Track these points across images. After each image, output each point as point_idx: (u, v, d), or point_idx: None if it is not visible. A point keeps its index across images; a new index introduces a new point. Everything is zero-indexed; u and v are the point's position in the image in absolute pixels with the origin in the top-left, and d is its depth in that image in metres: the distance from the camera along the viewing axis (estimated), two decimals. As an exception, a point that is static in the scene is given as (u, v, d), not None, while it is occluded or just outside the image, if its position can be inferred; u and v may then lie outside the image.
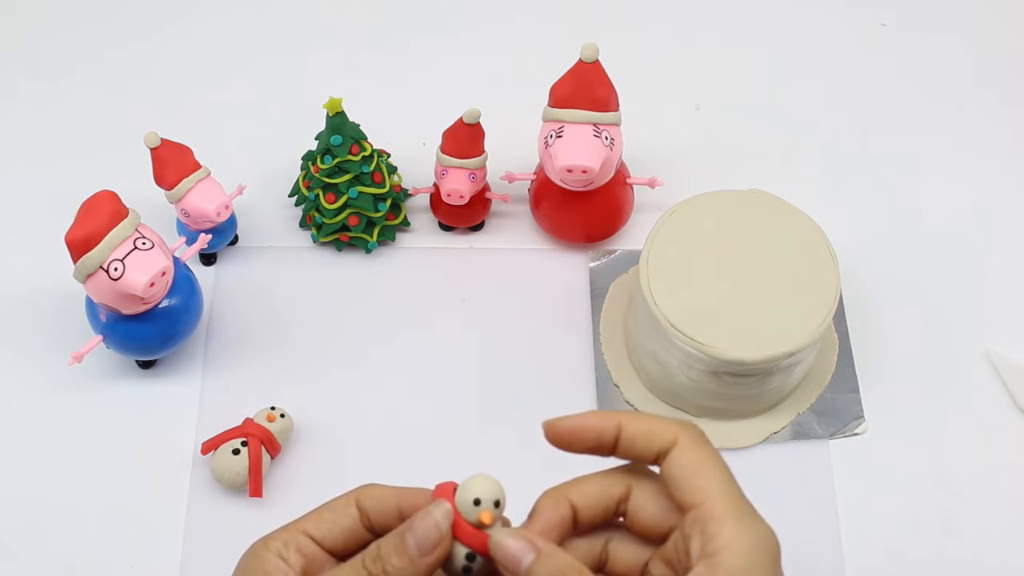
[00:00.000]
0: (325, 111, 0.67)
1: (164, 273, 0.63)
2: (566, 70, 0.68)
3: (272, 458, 0.66)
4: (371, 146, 0.71)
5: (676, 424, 0.45)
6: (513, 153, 0.74)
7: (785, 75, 0.84)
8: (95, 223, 0.61)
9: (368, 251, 0.75)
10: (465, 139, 0.70)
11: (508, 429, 0.69)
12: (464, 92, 0.78)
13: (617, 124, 0.69)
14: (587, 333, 0.72)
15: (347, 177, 0.70)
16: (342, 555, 0.46)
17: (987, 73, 0.84)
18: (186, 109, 0.81)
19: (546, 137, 0.68)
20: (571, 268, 0.75)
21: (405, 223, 0.75)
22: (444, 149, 0.71)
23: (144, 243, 0.62)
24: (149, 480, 0.66)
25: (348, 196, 0.70)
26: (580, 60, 0.67)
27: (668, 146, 0.79)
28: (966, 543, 0.65)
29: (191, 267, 0.69)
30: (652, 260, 0.65)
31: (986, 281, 0.74)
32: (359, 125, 0.70)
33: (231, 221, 0.73)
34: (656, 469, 0.46)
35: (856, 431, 0.68)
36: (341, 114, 0.68)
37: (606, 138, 0.68)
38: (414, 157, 0.76)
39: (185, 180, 0.69)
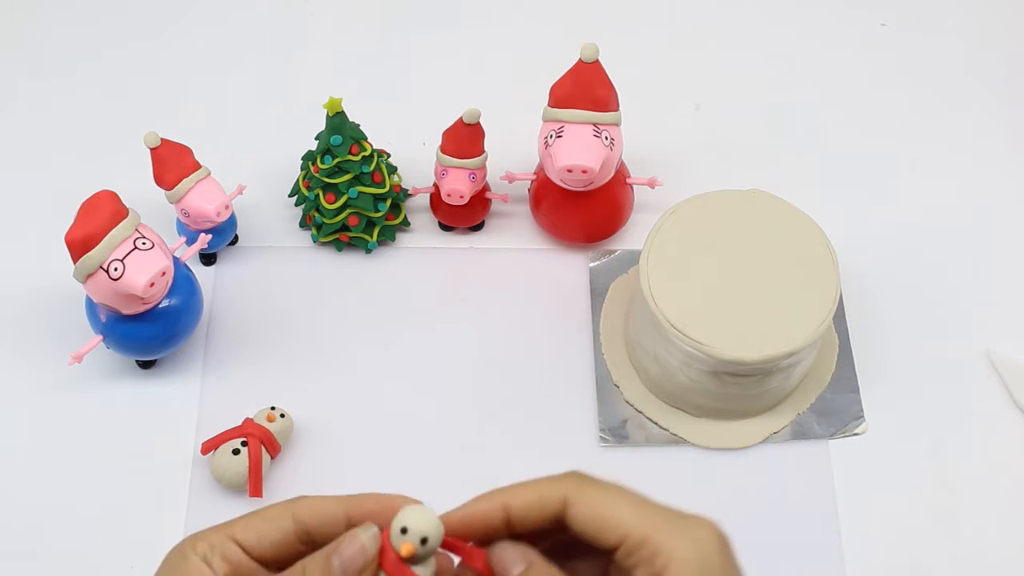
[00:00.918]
0: (325, 111, 0.67)
1: (164, 273, 0.63)
2: (566, 70, 0.68)
3: (272, 458, 0.66)
4: (371, 146, 0.71)
5: (558, 481, 0.43)
6: (513, 153, 0.74)
7: (785, 75, 0.84)
8: (95, 223, 0.61)
9: (368, 251, 0.75)
10: (465, 139, 0.70)
11: (508, 429, 0.69)
12: (464, 92, 0.78)
13: (617, 124, 0.69)
14: (587, 333, 0.72)
15: (347, 177, 0.70)
16: (272, 563, 0.45)
17: (987, 73, 0.84)
18: (186, 109, 0.81)
19: (546, 137, 0.68)
20: (571, 268, 0.75)
21: (405, 223, 0.75)
22: (444, 149, 0.71)
23: (144, 243, 0.62)
24: (149, 480, 0.66)
25: (348, 196, 0.70)
26: (580, 60, 0.67)
27: (668, 146, 0.79)
28: (966, 543, 0.65)
29: (191, 267, 0.69)
30: (652, 260, 0.65)
31: (986, 281, 0.74)
32: (359, 125, 0.70)
33: (231, 221, 0.73)
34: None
35: (856, 431, 0.68)
36: (341, 114, 0.68)
37: (606, 138, 0.68)
38: (414, 157, 0.76)
39: (185, 180, 0.69)
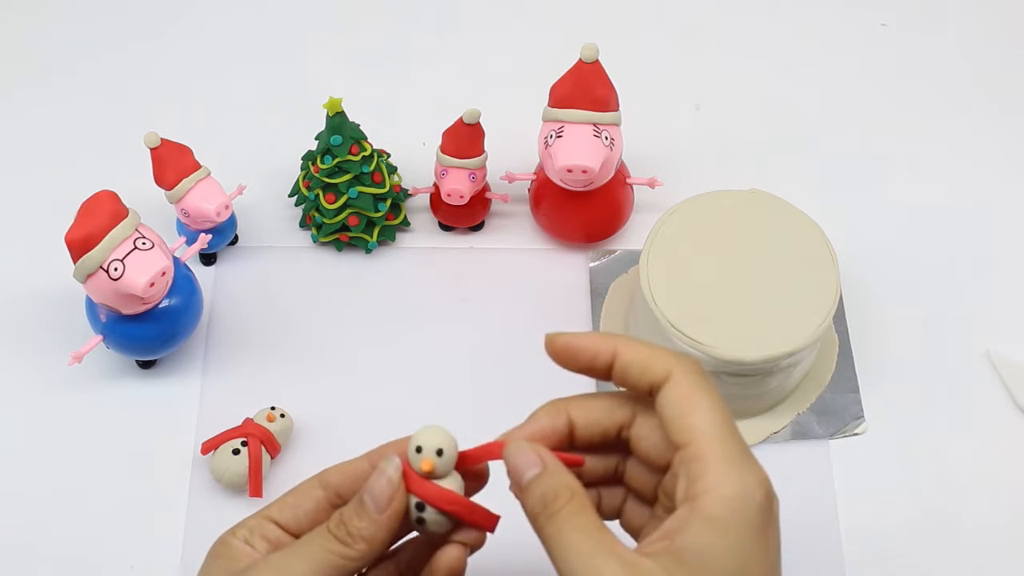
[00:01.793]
0: (325, 111, 0.67)
1: (164, 273, 0.63)
2: (566, 70, 0.68)
3: (272, 458, 0.66)
4: (371, 146, 0.71)
5: (671, 357, 0.44)
6: (513, 153, 0.74)
7: (785, 75, 0.84)
8: (95, 223, 0.61)
9: (368, 251, 0.75)
10: (465, 139, 0.70)
11: (507, 429, 0.68)
12: (464, 92, 0.78)
13: (617, 124, 0.69)
14: (587, 333, 0.72)
15: (347, 177, 0.70)
16: None
17: (987, 73, 0.84)
18: (186, 109, 0.81)
19: (546, 137, 0.68)
20: (571, 268, 0.75)
21: (405, 223, 0.75)
22: (444, 149, 0.71)
23: (144, 243, 0.62)
24: (149, 480, 0.66)
25: (348, 196, 0.70)
26: (580, 60, 0.67)
27: (668, 146, 0.79)
28: (966, 543, 0.65)
29: (191, 267, 0.69)
30: (652, 260, 0.65)
31: (986, 281, 0.74)
32: (359, 125, 0.70)
33: (231, 221, 0.73)
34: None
35: (856, 431, 0.68)
36: (341, 114, 0.68)
37: (606, 138, 0.68)
38: (414, 157, 0.76)
39: (185, 180, 0.69)
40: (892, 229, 0.77)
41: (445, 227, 0.76)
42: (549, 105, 0.69)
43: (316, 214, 0.73)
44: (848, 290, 0.73)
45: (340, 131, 0.68)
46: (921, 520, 0.66)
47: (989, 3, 0.88)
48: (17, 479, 0.67)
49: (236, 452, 0.64)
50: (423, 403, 0.69)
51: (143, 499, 0.66)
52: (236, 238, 0.75)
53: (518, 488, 0.44)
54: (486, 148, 0.71)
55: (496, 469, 0.48)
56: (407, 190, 0.76)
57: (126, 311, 0.64)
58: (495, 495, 0.47)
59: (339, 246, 0.75)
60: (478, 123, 0.70)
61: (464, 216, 0.74)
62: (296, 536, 0.47)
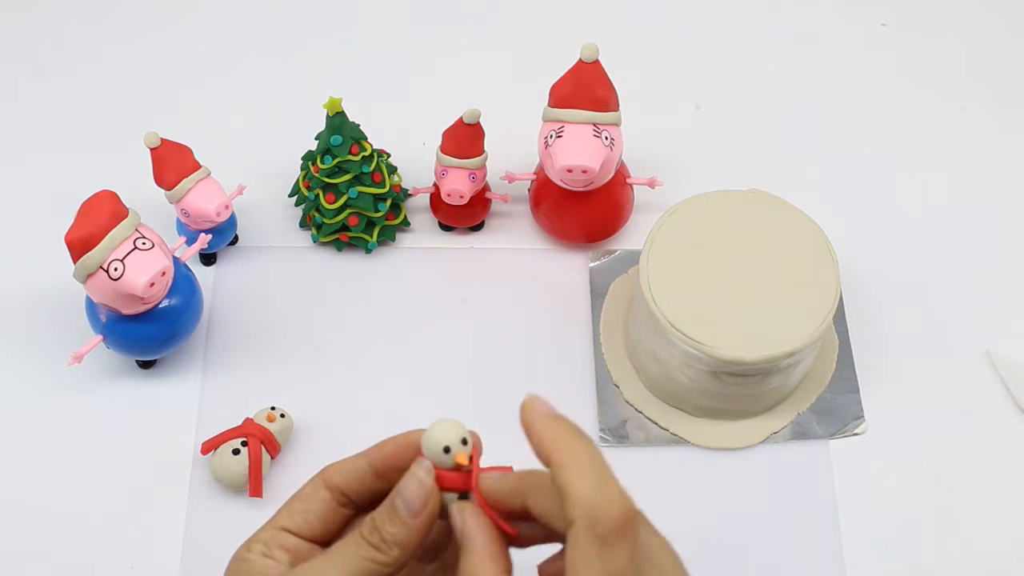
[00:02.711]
0: (325, 111, 0.67)
1: (164, 273, 0.63)
2: (566, 70, 0.68)
3: (272, 458, 0.66)
4: (371, 146, 0.71)
5: (595, 500, 0.41)
6: (513, 153, 0.74)
7: (785, 75, 0.84)
8: (95, 223, 0.61)
9: (368, 251, 0.75)
10: (465, 139, 0.70)
11: (508, 428, 0.68)
12: (464, 92, 0.78)
13: (617, 124, 0.69)
14: (587, 333, 0.72)
15: (347, 177, 0.70)
16: (323, 540, 0.47)
17: (987, 73, 0.84)
18: (186, 109, 0.81)
19: (546, 137, 0.68)
20: (571, 268, 0.75)
21: (405, 223, 0.75)
22: (444, 149, 0.71)
23: (144, 243, 0.62)
24: (149, 480, 0.66)
25: (348, 196, 0.70)
26: (580, 60, 0.67)
27: (668, 146, 0.79)
28: (966, 543, 0.65)
29: (191, 267, 0.69)
30: (652, 260, 0.65)
31: (986, 281, 0.74)
32: (359, 125, 0.70)
33: (231, 221, 0.73)
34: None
35: (856, 431, 0.68)
36: (341, 114, 0.68)
37: (606, 138, 0.68)
38: (414, 157, 0.76)
39: (185, 180, 0.69)
40: (892, 229, 0.77)
41: (445, 227, 0.76)
42: (549, 105, 0.69)
43: (316, 214, 0.73)
44: (848, 290, 0.73)
45: (340, 131, 0.68)
46: (921, 520, 0.66)
47: (989, 3, 0.88)
48: (17, 479, 0.67)
49: (236, 452, 0.64)
50: (423, 403, 0.69)
51: (143, 499, 0.66)
52: (236, 238, 0.75)
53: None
54: (486, 148, 0.71)
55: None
56: (407, 190, 0.76)
57: (126, 311, 0.64)
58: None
59: (339, 246, 0.75)
60: (478, 123, 0.70)
61: (464, 216, 0.74)
62: (311, 540, 0.46)
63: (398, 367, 0.71)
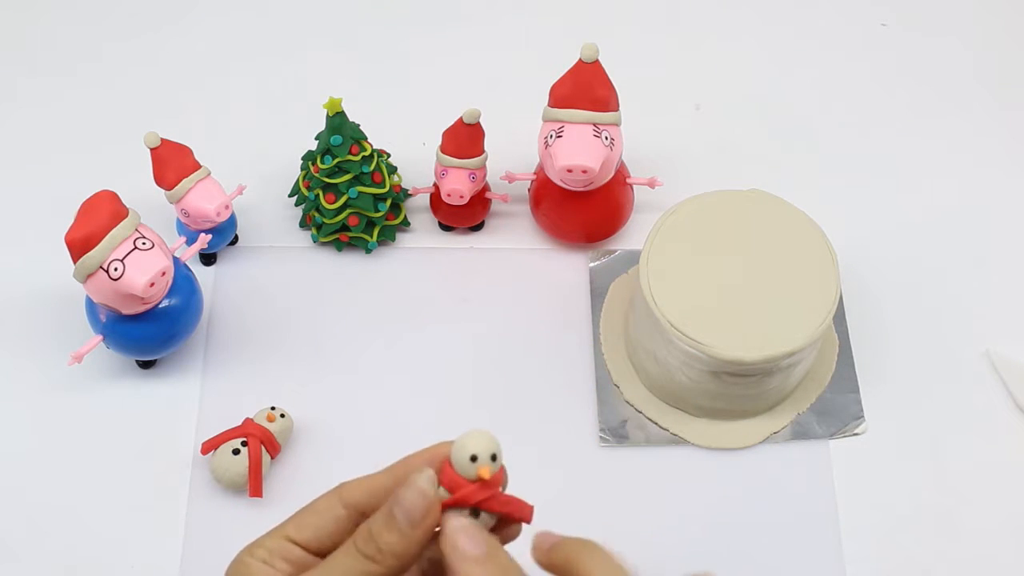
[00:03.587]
0: (325, 111, 0.67)
1: (164, 273, 0.63)
2: (566, 70, 0.68)
3: (272, 458, 0.66)
4: (371, 146, 0.71)
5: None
6: (513, 153, 0.74)
7: (785, 75, 0.84)
8: (95, 223, 0.61)
9: (368, 251, 0.75)
10: (465, 139, 0.70)
11: (508, 429, 0.68)
12: (464, 92, 0.78)
13: (617, 124, 0.69)
14: (587, 333, 0.72)
15: (347, 177, 0.70)
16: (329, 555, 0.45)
17: (987, 73, 0.84)
18: (186, 109, 0.81)
19: (546, 137, 0.68)
20: (571, 268, 0.75)
21: (405, 223, 0.75)
22: (444, 149, 0.71)
23: (144, 243, 0.62)
24: (149, 480, 0.66)
25: (348, 196, 0.70)
26: (580, 60, 0.67)
27: (668, 146, 0.79)
28: (966, 543, 0.65)
29: (191, 267, 0.69)
30: (652, 260, 0.65)
31: (986, 281, 0.74)
32: (359, 125, 0.70)
33: (231, 221, 0.73)
34: None
35: (856, 431, 0.68)
36: (341, 114, 0.68)
37: (606, 138, 0.68)
38: (414, 157, 0.76)
39: (185, 180, 0.69)
40: (892, 229, 0.77)
41: (445, 227, 0.76)
42: (549, 105, 0.69)
43: (316, 214, 0.73)
44: (848, 290, 0.73)
45: (340, 131, 0.68)
46: (921, 520, 0.66)
47: (989, 3, 0.88)
48: (17, 479, 0.67)
49: (236, 452, 0.64)
50: (423, 403, 0.69)
51: (143, 499, 0.66)
52: (236, 238, 0.75)
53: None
54: (486, 148, 0.71)
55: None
56: (407, 190, 0.76)
57: (126, 311, 0.64)
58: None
59: (339, 246, 0.75)
60: (478, 123, 0.70)
61: (464, 216, 0.74)
62: (318, 554, 0.45)
63: (398, 367, 0.71)
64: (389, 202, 0.73)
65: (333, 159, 0.69)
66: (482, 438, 0.43)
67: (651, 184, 0.74)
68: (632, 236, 0.75)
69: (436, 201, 0.74)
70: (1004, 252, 0.76)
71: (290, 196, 0.76)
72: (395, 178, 0.75)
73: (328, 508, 0.45)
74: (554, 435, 0.68)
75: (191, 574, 0.64)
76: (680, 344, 0.63)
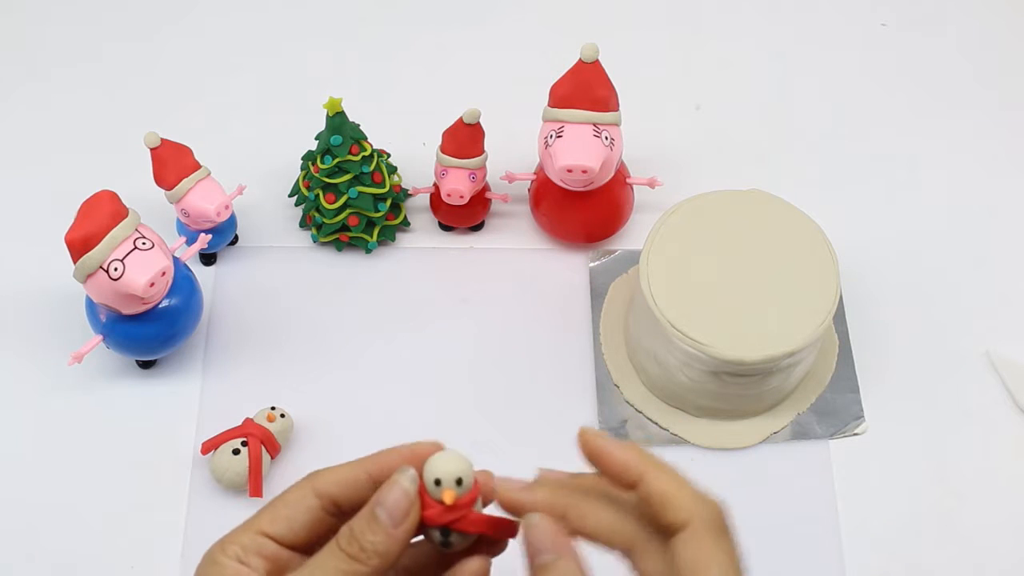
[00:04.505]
0: (325, 111, 0.67)
1: (164, 273, 0.63)
2: (566, 70, 0.68)
3: (272, 458, 0.66)
4: (371, 146, 0.71)
5: (694, 501, 0.43)
6: (513, 153, 0.74)
7: (785, 75, 0.84)
8: (95, 223, 0.61)
9: (368, 251, 0.75)
10: (465, 139, 0.70)
11: (508, 429, 0.69)
12: (464, 92, 0.78)
13: (617, 124, 0.69)
14: (587, 333, 0.72)
15: (347, 177, 0.70)
16: (306, 548, 0.45)
17: (987, 73, 0.84)
18: (186, 109, 0.81)
19: (546, 137, 0.68)
20: (571, 268, 0.75)
21: (405, 223, 0.75)
22: (444, 149, 0.71)
23: (144, 243, 0.62)
24: (149, 480, 0.66)
25: (348, 196, 0.70)
26: (580, 60, 0.67)
27: (668, 146, 0.79)
28: (966, 543, 0.65)
29: (191, 267, 0.69)
30: (652, 260, 0.65)
31: (986, 281, 0.74)
32: (359, 125, 0.70)
33: (231, 221, 0.73)
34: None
35: (856, 431, 0.68)
36: (341, 114, 0.68)
37: (606, 138, 0.68)
38: (414, 157, 0.76)
39: (185, 180, 0.69)
40: (892, 229, 0.77)
41: (445, 227, 0.76)
42: (549, 105, 0.69)
43: (316, 214, 0.73)
44: (848, 290, 0.73)
45: (340, 131, 0.68)
46: (921, 520, 0.66)
47: (989, 3, 0.88)
48: (17, 479, 0.67)
49: (236, 452, 0.64)
50: (423, 403, 0.69)
51: (143, 499, 0.66)
52: (236, 238, 0.75)
53: (530, 565, 0.43)
54: (486, 148, 0.71)
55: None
56: (407, 190, 0.76)
57: (126, 311, 0.64)
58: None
59: (339, 246, 0.75)
60: (478, 123, 0.70)
61: (464, 216, 0.74)
62: (293, 548, 0.45)
63: (398, 367, 0.71)
64: (389, 202, 0.73)
65: (333, 159, 0.69)
66: (448, 462, 0.43)
67: (651, 184, 0.74)
68: (632, 236, 0.75)
69: (436, 201, 0.74)
70: (1004, 252, 0.76)
71: (290, 196, 0.76)
72: (395, 178, 0.75)
73: (301, 499, 0.45)
74: (554, 435, 0.68)
75: (191, 574, 0.64)
76: (680, 344, 0.63)
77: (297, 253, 0.75)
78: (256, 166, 0.77)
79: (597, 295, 0.73)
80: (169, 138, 0.69)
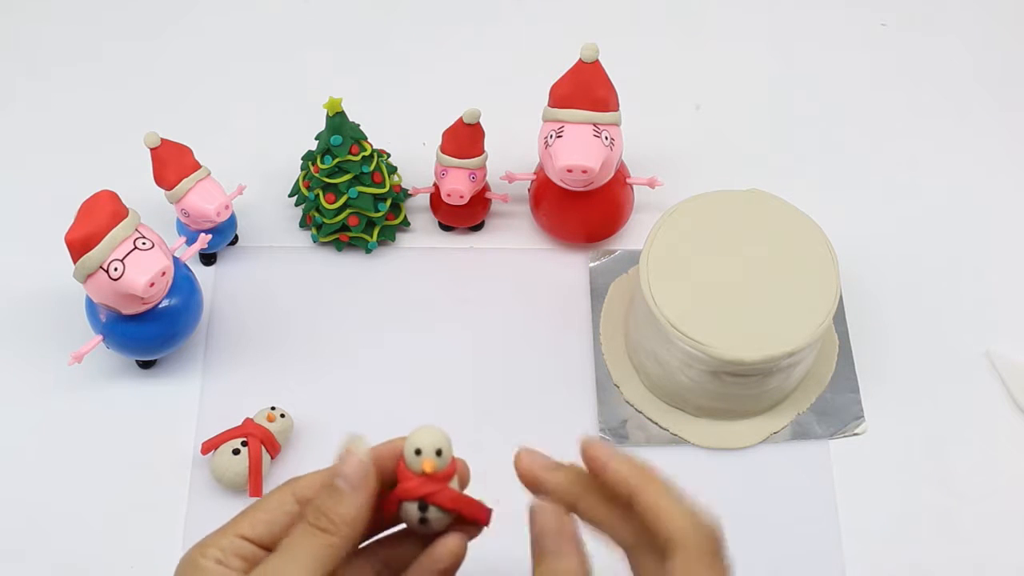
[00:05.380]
0: (325, 111, 0.67)
1: (164, 273, 0.63)
2: (566, 70, 0.68)
3: (272, 458, 0.66)
4: (371, 146, 0.71)
5: (689, 522, 0.44)
6: (513, 153, 0.74)
7: (785, 75, 0.84)
8: (95, 223, 0.61)
9: (368, 251, 0.75)
10: (465, 139, 0.70)
11: (507, 429, 0.68)
12: (464, 92, 0.78)
13: (617, 124, 0.69)
14: (587, 333, 0.72)
15: (347, 177, 0.70)
16: None
17: (987, 73, 0.85)
18: (186, 109, 0.81)
19: (546, 137, 0.68)
20: (571, 268, 0.75)
21: (405, 223, 0.75)
22: (444, 149, 0.71)
23: (144, 243, 0.62)
24: (149, 480, 0.66)
25: (348, 196, 0.70)
26: (580, 60, 0.67)
27: (668, 146, 0.79)
28: (966, 543, 0.65)
29: (191, 267, 0.69)
30: (652, 260, 0.65)
31: (986, 281, 0.74)
32: (359, 125, 0.70)
33: (231, 221, 0.73)
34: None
35: (856, 431, 0.68)
36: (341, 114, 0.68)
37: (606, 138, 0.68)
38: (414, 157, 0.76)
39: (185, 180, 0.69)
40: (892, 229, 0.77)
41: (445, 227, 0.76)
42: (549, 105, 0.69)
43: (316, 214, 0.73)
44: (848, 290, 0.73)
45: (340, 131, 0.68)
46: (921, 520, 0.66)
47: (989, 3, 0.88)
48: (17, 479, 0.67)
49: (236, 452, 0.64)
50: (423, 403, 0.69)
51: (143, 499, 0.66)
52: (236, 238, 0.75)
53: (534, 553, 0.45)
54: (486, 148, 0.71)
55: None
56: (407, 190, 0.76)
57: (126, 311, 0.64)
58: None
59: (339, 246, 0.75)
60: (478, 123, 0.70)
61: (464, 216, 0.74)
62: (272, 550, 0.46)
63: (398, 367, 0.71)
64: (389, 202, 0.73)
65: (333, 159, 0.69)
66: (428, 433, 0.45)
67: (651, 184, 0.74)
68: (632, 236, 0.75)
69: (436, 201, 0.74)
70: (1004, 252, 0.76)
71: (290, 196, 0.76)
72: (395, 178, 0.75)
73: (280, 504, 0.46)
74: (554, 435, 0.68)
75: (191, 574, 0.64)
76: (680, 344, 0.63)
77: (297, 253, 0.75)
78: (256, 166, 0.78)
79: (597, 295, 0.73)
80: (169, 138, 0.69)
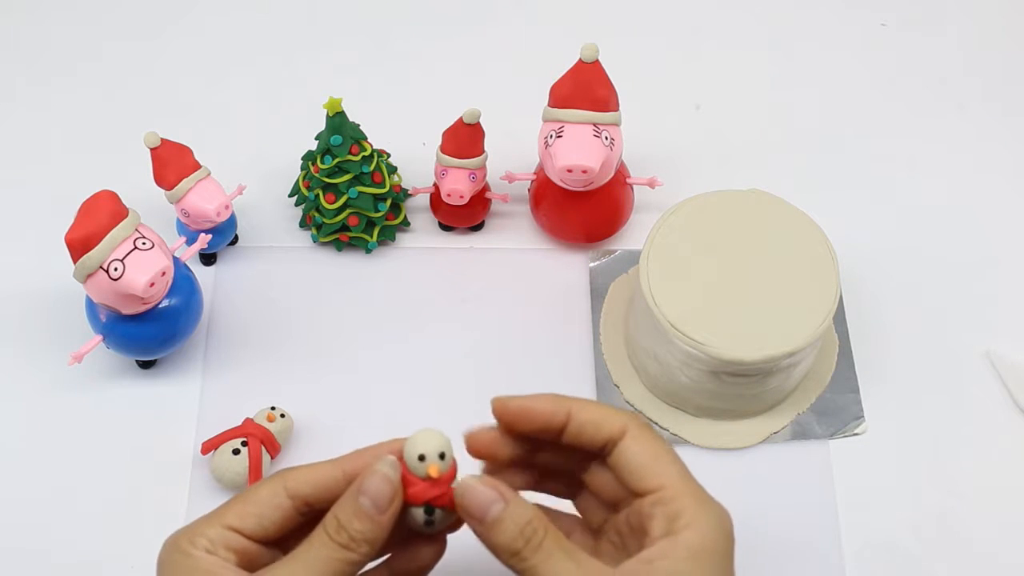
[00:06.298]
0: (325, 111, 0.67)
1: (164, 273, 0.63)
2: (566, 70, 0.68)
3: (272, 458, 0.66)
4: (371, 146, 0.71)
5: (624, 414, 0.47)
6: (513, 153, 0.74)
7: (785, 75, 0.84)
8: (95, 223, 0.61)
9: (368, 251, 0.75)
10: (465, 139, 0.70)
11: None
12: (464, 92, 0.78)
13: (617, 124, 0.69)
14: (587, 333, 0.72)
15: (347, 177, 0.70)
16: (277, 541, 0.46)
17: (987, 73, 0.85)
18: (186, 109, 0.81)
19: (546, 137, 0.68)
20: (571, 268, 0.75)
21: (405, 223, 0.75)
22: (444, 149, 0.71)
23: (144, 243, 0.62)
24: (149, 480, 0.66)
25: (348, 196, 0.71)
26: (580, 60, 0.67)
27: (668, 146, 0.79)
28: (966, 543, 0.65)
29: (191, 267, 0.69)
30: (652, 260, 0.65)
31: (986, 281, 0.74)
32: (359, 125, 0.70)
33: (231, 221, 0.73)
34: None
35: (856, 431, 0.68)
36: (341, 114, 0.68)
37: (606, 138, 0.68)
38: (414, 157, 0.76)
39: (185, 180, 0.69)
40: (892, 229, 0.77)
41: (445, 227, 0.76)
42: (549, 105, 0.69)
43: (316, 214, 0.73)
44: (848, 290, 0.73)
45: (340, 131, 0.68)
46: (921, 520, 0.66)
47: (989, 3, 0.88)
48: (17, 479, 0.67)
49: (236, 452, 0.64)
50: (423, 403, 0.69)
51: (143, 499, 0.66)
52: (236, 238, 0.75)
53: (481, 525, 0.44)
54: (486, 148, 0.71)
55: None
56: (407, 190, 0.76)
57: (126, 311, 0.64)
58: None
59: (339, 246, 0.75)
60: (478, 123, 0.70)
61: (464, 216, 0.74)
62: (264, 543, 0.46)
63: (398, 367, 0.71)
64: (389, 202, 0.73)
65: (333, 159, 0.69)
66: (430, 437, 0.45)
67: (651, 184, 0.74)
68: (632, 236, 0.75)
69: (436, 201, 0.74)
70: (1004, 252, 0.76)
71: (290, 196, 0.76)
72: (395, 178, 0.75)
73: (271, 497, 0.46)
74: (554, 435, 0.68)
75: (191, 574, 0.64)
76: (680, 344, 0.63)
77: (297, 253, 0.75)
78: (256, 166, 0.78)
79: (597, 295, 0.73)
80: (169, 138, 0.69)
